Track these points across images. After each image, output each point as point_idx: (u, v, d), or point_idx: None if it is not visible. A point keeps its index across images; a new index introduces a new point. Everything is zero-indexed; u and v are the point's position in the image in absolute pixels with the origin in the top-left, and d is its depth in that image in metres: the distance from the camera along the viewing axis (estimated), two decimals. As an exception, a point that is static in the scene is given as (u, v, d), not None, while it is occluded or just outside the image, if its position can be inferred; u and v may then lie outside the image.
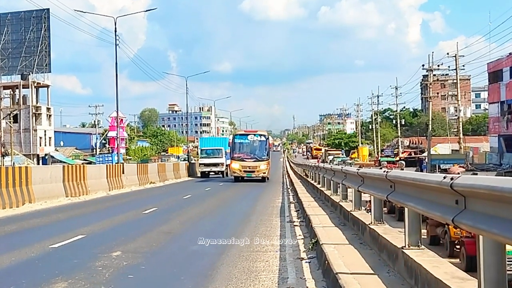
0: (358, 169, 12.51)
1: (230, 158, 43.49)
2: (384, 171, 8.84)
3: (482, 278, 4.83)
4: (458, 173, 6.25)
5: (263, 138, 42.57)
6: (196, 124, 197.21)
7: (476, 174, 16.51)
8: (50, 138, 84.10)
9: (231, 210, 21.28)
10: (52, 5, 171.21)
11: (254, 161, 41.31)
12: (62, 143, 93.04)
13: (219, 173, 52.44)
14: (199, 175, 54.19)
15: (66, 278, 8.54)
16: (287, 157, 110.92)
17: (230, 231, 14.24)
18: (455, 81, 57.39)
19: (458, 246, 14.72)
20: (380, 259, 8.42)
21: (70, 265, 9.73)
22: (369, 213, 10.79)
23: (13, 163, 56.28)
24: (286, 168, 65.56)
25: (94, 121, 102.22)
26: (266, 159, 41.89)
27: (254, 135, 42.91)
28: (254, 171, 40.95)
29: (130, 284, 8.54)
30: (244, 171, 41.03)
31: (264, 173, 41.30)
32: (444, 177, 5.63)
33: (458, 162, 44.70)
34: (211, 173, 52.67)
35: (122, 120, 57.56)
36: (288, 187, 34.91)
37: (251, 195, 29.11)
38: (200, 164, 53.92)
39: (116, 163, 42.40)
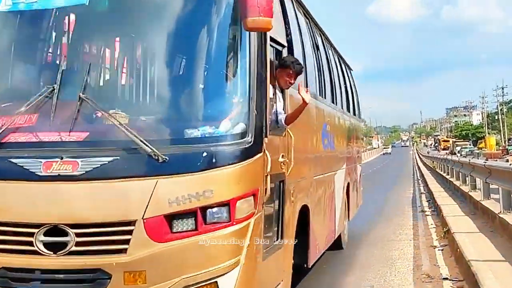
0: (485, 162, 12.24)
1: None
2: (510, 164, 8.66)
3: None
4: None
5: None
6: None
7: None
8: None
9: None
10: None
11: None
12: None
13: None
14: None
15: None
16: (416, 150, 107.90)
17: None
18: None
19: None
20: (511, 246, 8.26)
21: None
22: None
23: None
24: (416, 161, 63.73)
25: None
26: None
27: None
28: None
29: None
30: None
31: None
32: None
33: None
34: None
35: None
36: None
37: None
38: None
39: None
